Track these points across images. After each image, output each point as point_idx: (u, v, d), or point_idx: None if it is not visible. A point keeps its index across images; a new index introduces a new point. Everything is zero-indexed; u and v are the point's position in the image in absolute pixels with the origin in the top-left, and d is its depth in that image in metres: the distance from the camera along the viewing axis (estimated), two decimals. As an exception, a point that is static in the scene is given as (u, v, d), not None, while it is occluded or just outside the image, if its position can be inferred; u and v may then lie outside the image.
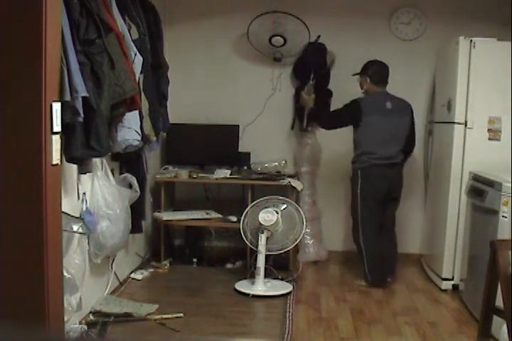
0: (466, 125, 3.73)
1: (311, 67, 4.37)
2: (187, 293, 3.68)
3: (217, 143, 4.54)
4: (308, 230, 4.43)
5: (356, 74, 4.05)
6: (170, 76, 3.73)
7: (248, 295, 3.61)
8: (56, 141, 2.03)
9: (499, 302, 2.50)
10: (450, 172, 3.78)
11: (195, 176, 4.28)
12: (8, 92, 1.95)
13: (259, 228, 3.71)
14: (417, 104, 4.48)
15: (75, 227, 2.68)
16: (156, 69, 3.48)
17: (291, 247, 3.80)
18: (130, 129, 2.99)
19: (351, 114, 3.90)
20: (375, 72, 3.96)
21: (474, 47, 3.67)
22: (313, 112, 4.23)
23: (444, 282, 3.86)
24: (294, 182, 4.16)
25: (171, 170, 4.44)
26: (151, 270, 4.08)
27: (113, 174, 3.33)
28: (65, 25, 2.29)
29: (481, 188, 3.36)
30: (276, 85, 4.58)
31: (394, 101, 3.96)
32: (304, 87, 4.37)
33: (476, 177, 3.53)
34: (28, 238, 1.99)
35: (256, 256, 3.73)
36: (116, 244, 3.16)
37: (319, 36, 4.37)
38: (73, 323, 2.77)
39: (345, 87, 4.37)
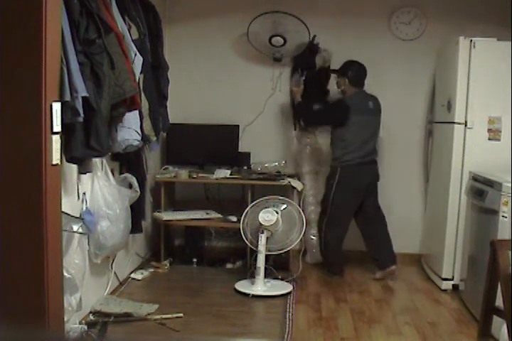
0: (466, 125, 3.73)
1: (302, 66, 4.39)
2: (187, 293, 3.68)
3: (217, 143, 4.54)
4: (314, 231, 4.43)
5: (334, 71, 4.17)
6: (170, 76, 3.73)
7: (248, 295, 3.61)
8: (56, 141, 2.03)
9: (499, 302, 2.50)
10: (450, 172, 3.78)
11: (195, 176, 4.28)
12: (8, 92, 1.95)
13: (259, 228, 3.71)
14: (417, 104, 4.50)
15: (75, 227, 2.68)
16: (156, 69, 3.48)
17: (291, 247, 3.81)
18: (130, 129, 2.99)
19: (340, 114, 4.02)
20: (355, 74, 4.07)
21: (474, 47, 3.67)
22: (298, 105, 4.30)
23: (444, 282, 3.86)
24: (294, 182, 4.16)
25: (171, 170, 4.44)
26: (151, 270, 4.08)
27: (113, 174, 3.33)
28: (65, 25, 2.29)
29: (481, 188, 3.36)
30: (276, 85, 4.58)
31: (373, 100, 4.10)
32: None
33: (476, 177, 3.53)
34: (28, 238, 1.99)
35: (256, 256, 3.73)
36: (116, 244, 3.16)
37: (315, 36, 4.36)
38: (73, 323, 2.77)
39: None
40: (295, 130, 4.56)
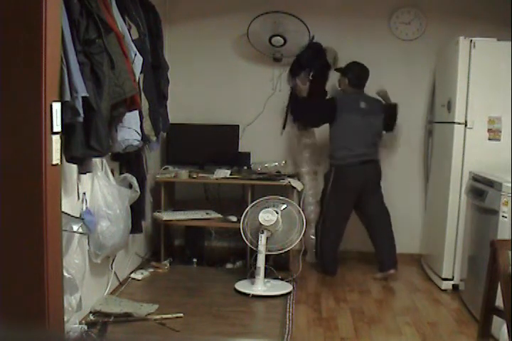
0: (466, 125, 3.73)
1: (310, 67, 4.37)
2: (187, 293, 3.68)
3: (217, 143, 4.54)
4: (314, 230, 4.42)
5: (339, 69, 4.18)
6: (170, 76, 3.73)
7: (248, 295, 3.61)
8: (56, 141, 2.03)
9: (499, 302, 2.50)
10: (450, 172, 3.78)
11: (195, 176, 4.28)
12: (8, 92, 1.95)
13: (259, 228, 3.71)
14: (417, 104, 4.50)
15: (75, 227, 2.68)
16: (156, 69, 3.48)
17: (291, 247, 3.81)
18: (130, 129, 2.99)
19: (327, 112, 4.08)
20: (355, 75, 4.11)
21: (474, 47, 3.67)
22: (303, 101, 4.31)
23: (444, 282, 3.86)
24: (294, 182, 4.16)
25: (171, 170, 4.44)
26: (151, 270, 4.08)
27: (113, 174, 3.33)
28: (65, 25, 2.29)
29: (481, 188, 3.36)
30: (276, 85, 4.58)
31: (368, 101, 4.11)
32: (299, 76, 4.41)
33: (476, 177, 3.53)
34: (28, 238, 1.99)
35: (256, 256, 3.73)
36: (116, 244, 3.16)
37: (313, 36, 4.36)
38: (73, 323, 2.76)
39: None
40: (283, 129, 4.57)
